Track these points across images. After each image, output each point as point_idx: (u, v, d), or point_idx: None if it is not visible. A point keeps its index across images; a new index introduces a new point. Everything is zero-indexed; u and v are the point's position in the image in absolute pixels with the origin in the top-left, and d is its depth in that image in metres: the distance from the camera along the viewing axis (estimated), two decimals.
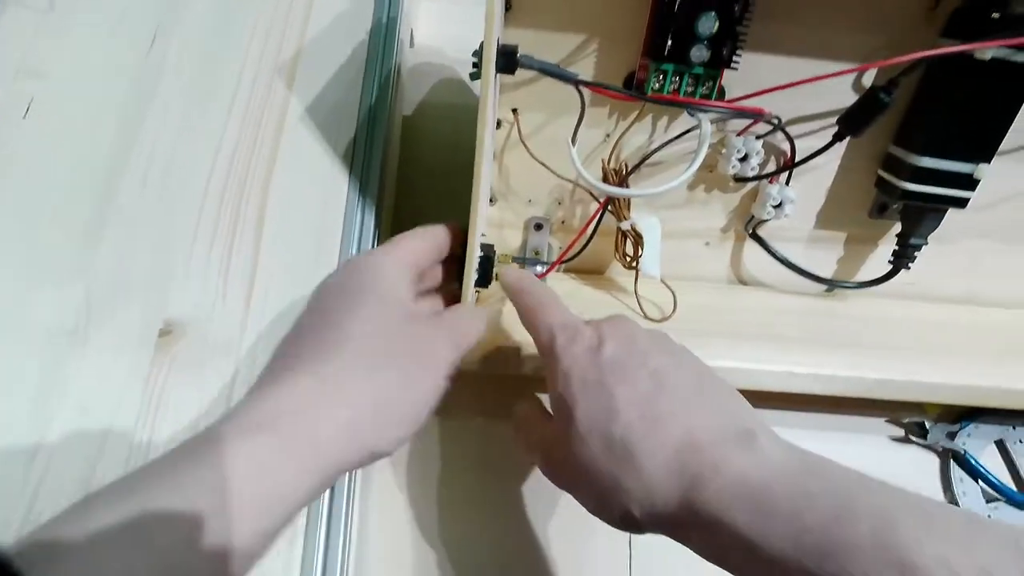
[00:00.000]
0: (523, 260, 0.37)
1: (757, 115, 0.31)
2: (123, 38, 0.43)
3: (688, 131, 0.34)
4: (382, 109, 0.42)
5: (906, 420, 0.42)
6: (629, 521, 0.24)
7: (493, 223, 0.40)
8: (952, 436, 0.41)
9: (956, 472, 0.40)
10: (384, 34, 0.45)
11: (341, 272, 0.30)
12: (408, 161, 0.47)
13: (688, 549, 0.24)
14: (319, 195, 0.38)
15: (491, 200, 0.39)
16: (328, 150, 0.40)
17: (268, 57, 0.43)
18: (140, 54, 0.42)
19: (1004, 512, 0.39)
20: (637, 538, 0.37)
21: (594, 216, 0.35)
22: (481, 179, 0.29)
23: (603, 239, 0.38)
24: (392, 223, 0.43)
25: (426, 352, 0.27)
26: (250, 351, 0.33)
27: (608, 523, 0.25)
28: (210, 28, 0.44)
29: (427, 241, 0.32)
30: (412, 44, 0.53)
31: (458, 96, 0.51)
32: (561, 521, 0.37)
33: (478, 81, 0.28)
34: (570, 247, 0.36)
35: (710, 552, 0.23)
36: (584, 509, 0.26)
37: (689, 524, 0.23)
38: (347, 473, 0.25)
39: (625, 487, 0.24)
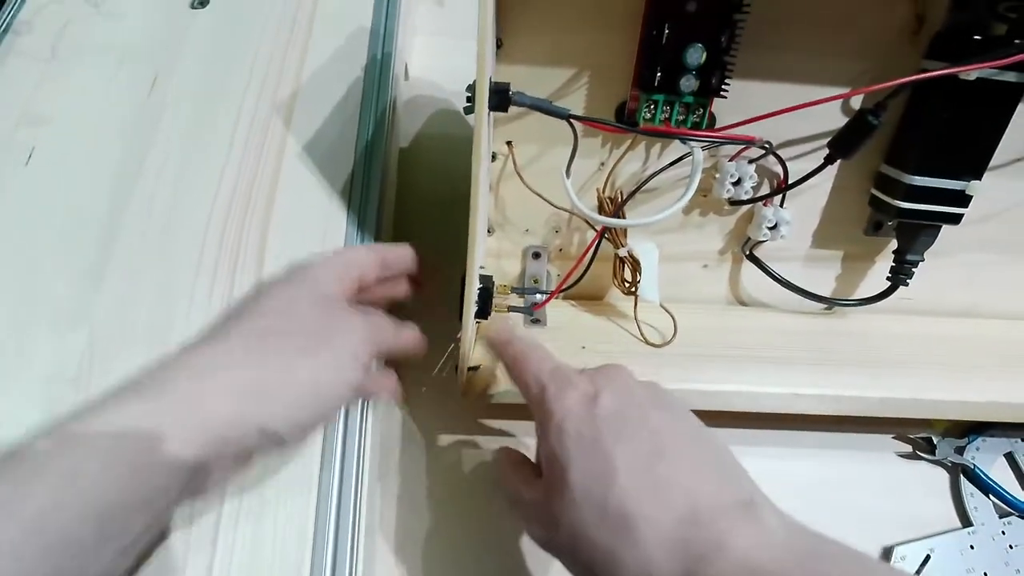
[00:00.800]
0: (522, 290, 0.37)
1: (748, 142, 0.32)
2: (123, 84, 0.44)
3: (681, 158, 0.34)
4: (379, 142, 0.43)
5: (913, 436, 0.41)
6: None
7: (491, 253, 0.40)
8: (960, 451, 0.41)
9: (967, 487, 0.40)
10: (379, 69, 0.46)
11: (282, 270, 0.30)
12: (406, 192, 0.48)
13: None
14: (319, 230, 0.39)
15: (489, 231, 0.39)
16: (326, 185, 0.41)
17: (266, 96, 0.44)
18: (140, 99, 0.43)
19: (1018, 526, 0.39)
20: None
21: (591, 244, 0.35)
22: (478, 214, 0.29)
23: (601, 265, 0.38)
24: None
25: (335, 338, 0.26)
26: None
27: None
28: (208, 70, 0.45)
29: (372, 253, 0.31)
30: (407, 78, 0.53)
31: (453, 127, 0.52)
32: None
33: (472, 114, 0.28)
34: (569, 275, 0.37)
35: None
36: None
37: None
38: (244, 453, 0.24)
39: (621, 560, 0.22)
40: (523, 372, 0.28)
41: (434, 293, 0.41)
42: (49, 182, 0.40)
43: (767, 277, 0.40)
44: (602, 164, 0.36)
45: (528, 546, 0.36)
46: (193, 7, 0.48)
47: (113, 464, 0.21)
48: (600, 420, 0.24)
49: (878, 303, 0.39)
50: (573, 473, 0.24)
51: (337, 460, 0.32)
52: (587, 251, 0.35)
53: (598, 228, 0.36)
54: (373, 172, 0.41)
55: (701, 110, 0.33)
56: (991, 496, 0.40)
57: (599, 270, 0.39)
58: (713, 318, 0.40)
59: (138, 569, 0.27)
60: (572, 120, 0.29)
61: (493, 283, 0.34)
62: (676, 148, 0.35)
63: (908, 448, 0.41)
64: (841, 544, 0.23)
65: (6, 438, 0.30)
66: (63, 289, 0.35)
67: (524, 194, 0.37)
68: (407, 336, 0.31)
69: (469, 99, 0.29)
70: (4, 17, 0.47)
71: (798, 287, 0.39)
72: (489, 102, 0.28)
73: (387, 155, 0.43)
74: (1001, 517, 0.39)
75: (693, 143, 0.31)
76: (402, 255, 0.33)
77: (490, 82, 0.28)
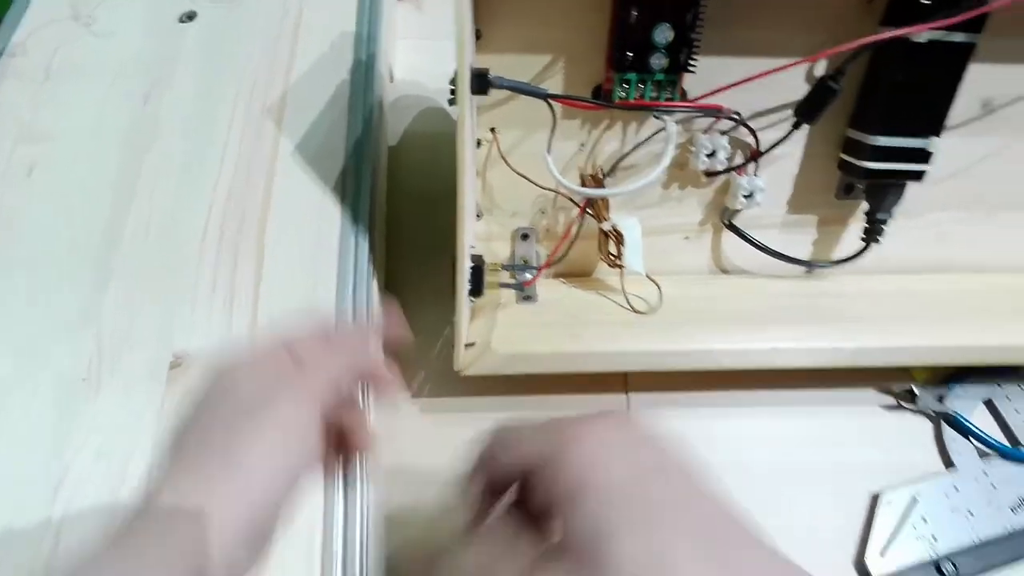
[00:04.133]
0: (512, 267, 0.39)
1: (716, 111, 0.34)
2: (117, 99, 0.45)
3: (656, 133, 0.36)
4: (367, 142, 0.44)
5: (895, 388, 0.43)
6: None
7: (481, 236, 0.42)
8: (941, 399, 0.43)
9: (948, 433, 0.42)
10: (364, 72, 0.48)
11: (249, 372, 0.24)
12: (396, 189, 0.50)
13: None
14: (313, 226, 0.41)
15: (478, 215, 0.41)
16: (319, 184, 0.42)
17: (256, 103, 0.45)
18: (135, 112, 0.45)
19: (998, 465, 0.41)
20: None
21: (575, 220, 0.37)
22: (465, 194, 0.31)
23: (587, 242, 0.40)
24: (386, 247, 0.45)
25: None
26: None
27: None
28: (199, 81, 0.46)
29: (348, 358, 0.26)
30: (392, 79, 0.55)
31: (439, 125, 0.54)
32: None
33: (457, 108, 0.30)
34: (556, 250, 0.38)
35: None
36: None
37: None
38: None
39: None
40: (510, 456, 0.21)
41: (426, 281, 0.43)
42: (51, 194, 0.41)
43: (747, 245, 0.42)
44: (582, 145, 0.38)
45: None
46: (181, 21, 0.49)
47: None
48: (646, 478, 0.19)
49: (855, 264, 0.41)
50: (618, 555, 0.17)
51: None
52: (572, 225, 0.37)
53: (581, 203, 0.37)
54: (363, 169, 0.43)
55: (672, 87, 0.35)
56: (972, 440, 0.41)
57: (586, 248, 0.41)
58: (697, 287, 0.42)
59: None
60: (549, 99, 0.31)
61: (484, 261, 0.36)
62: (651, 125, 0.37)
63: (891, 400, 0.43)
64: None
65: (24, 434, 0.32)
66: (69, 293, 0.37)
67: (510, 178, 0.38)
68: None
69: (453, 92, 0.31)
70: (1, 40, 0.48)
71: (776, 252, 0.41)
72: (470, 86, 0.30)
73: (376, 153, 0.44)
74: (981, 458, 0.41)
75: (665, 116, 0.33)
76: (387, 326, 0.29)
77: (470, 68, 0.30)
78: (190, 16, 0.49)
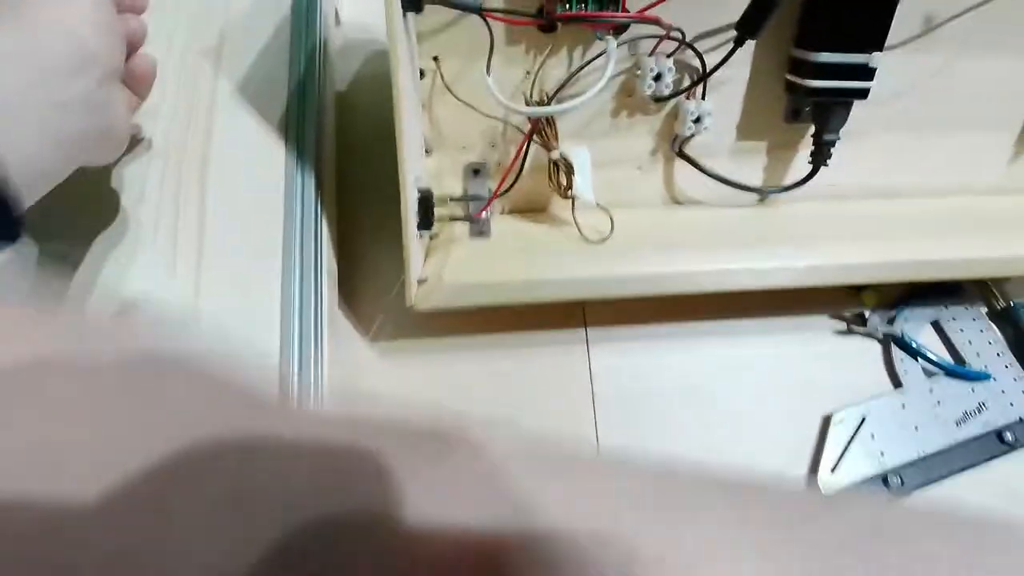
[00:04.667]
0: (460, 198, 0.38)
1: (653, 22, 0.33)
2: None
3: (600, 55, 0.36)
4: (310, 82, 0.43)
5: (847, 314, 0.44)
6: None
7: (432, 173, 0.41)
8: (891, 322, 0.44)
9: (897, 354, 0.43)
10: (305, 10, 0.46)
11: None
12: (347, 133, 0.48)
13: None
14: (257, 166, 0.39)
15: (427, 151, 0.40)
16: (262, 124, 0.41)
17: (193, 44, 0.44)
18: None
19: (944, 383, 0.42)
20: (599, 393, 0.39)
21: (522, 145, 0.36)
22: (402, 121, 0.30)
23: (540, 176, 0.40)
24: (339, 192, 0.44)
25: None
26: (208, 315, 0.34)
27: None
28: None
29: None
30: (338, 23, 0.53)
31: (388, 68, 0.52)
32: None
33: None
34: (503, 180, 0.38)
35: None
36: None
37: None
38: None
39: None
40: None
41: (383, 225, 0.42)
42: None
43: (699, 174, 0.41)
44: (527, 72, 0.37)
45: None
46: None
47: None
48: None
49: (806, 191, 0.41)
50: None
51: None
52: (519, 152, 0.37)
53: (527, 129, 0.37)
54: (308, 108, 0.42)
55: (614, 4, 0.34)
56: (919, 360, 0.42)
57: (539, 182, 0.40)
58: (649, 217, 0.42)
59: None
60: (484, 15, 0.30)
61: (432, 193, 0.36)
62: (596, 48, 0.36)
63: (843, 325, 0.44)
64: None
65: None
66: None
67: (457, 110, 0.38)
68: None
69: None
70: None
71: (726, 179, 0.41)
72: (402, 3, 0.29)
73: (321, 94, 0.43)
74: (929, 376, 0.42)
75: (606, 35, 0.32)
76: None
77: None
78: None
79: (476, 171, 0.41)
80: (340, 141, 0.47)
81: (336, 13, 0.53)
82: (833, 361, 0.43)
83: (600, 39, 0.34)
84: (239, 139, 0.40)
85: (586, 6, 0.33)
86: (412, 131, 0.34)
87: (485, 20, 0.31)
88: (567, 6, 0.34)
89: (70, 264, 0.35)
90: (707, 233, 0.41)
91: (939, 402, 0.41)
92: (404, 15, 0.30)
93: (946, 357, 0.43)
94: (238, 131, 0.40)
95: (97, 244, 0.36)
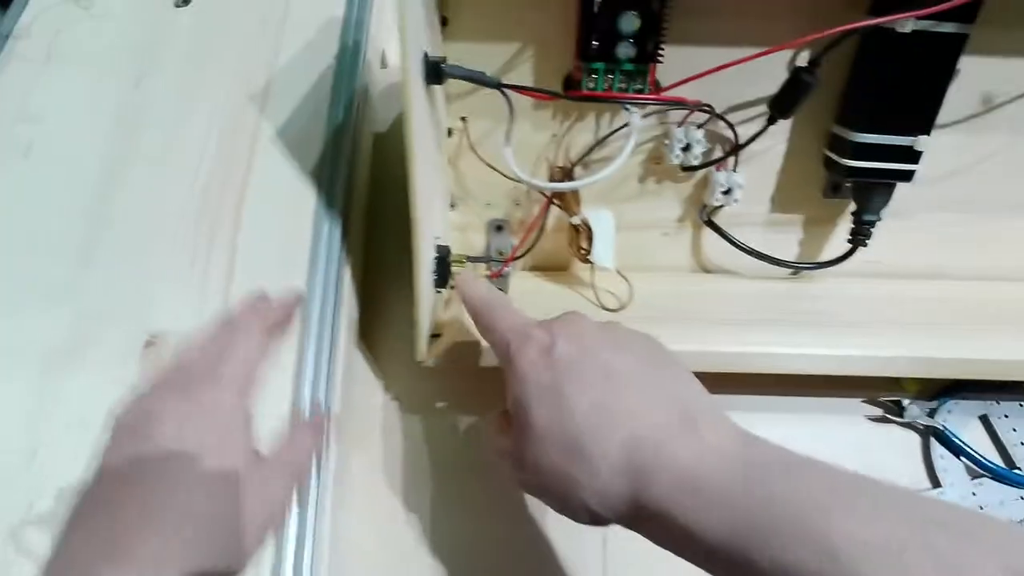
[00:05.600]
0: (477, 259, 0.38)
1: (680, 103, 0.32)
2: (111, 81, 0.46)
3: (625, 125, 0.35)
4: (347, 127, 0.44)
5: (883, 399, 0.41)
6: (593, 517, 0.25)
7: (456, 227, 0.41)
8: (932, 413, 0.40)
9: (937, 449, 0.40)
10: (350, 58, 0.47)
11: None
12: (382, 175, 0.49)
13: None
14: (288, 209, 0.41)
15: (452, 205, 0.41)
16: (296, 169, 0.42)
17: (241, 89, 0.46)
18: (126, 94, 0.46)
19: (989, 488, 0.38)
20: (611, 534, 0.37)
21: (542, 211, 0.36)
22: (416, 183, 0.30)
23: (561, 234, 0.39)
24: (369, 235, 0.45)
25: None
26: None
27: (575, 521, 0.26)
28: (190, 67, 0.47)
29: (259, 343, 0.29)
30: (384, 65, 0.55)
31: None
32: (538, 515, 0.37)
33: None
34: (522, 242, 0.38)
35: (664, 542, 0.24)
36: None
37: (641, 518, 0.24)
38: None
39: (583, 485, 0.24)
40: (488, 327, 0.30)
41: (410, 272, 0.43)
42: (44, 172, 0.42)
43: (728, 243, 0.40)
44: (554, 136, 0.37)
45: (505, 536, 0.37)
46: (177, 6, 0.50)
47: None
48: (555, 366, 0.26)
49: (843, 267, 0.39)
50: (534, 417, 0.25)
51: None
52: (537, 218, 0.36)
53: (547, 195, 0.36)
54: (341, 154, 0.43)
55: (642, 78, 0.33)
56: (962, 458, 0.39)
57: (560, 240, 0.40)
58: (672, 284, 0.40)
59: None
60: (503, 89, 0.30)
61: (449, 251, 0.36)
62: (624, 117, 0.36)
63: (878, 411, 0.41)
64: (776, 447, 0.24)
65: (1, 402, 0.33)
66: (52, 268, 0.38)
67: (482, 168, 0.38)
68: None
69: None
70: (7, 23, 0.50)
71: (757, 251, 0.39)
72: (425, 75, 0.29)
73: (356, 138, 0.44)
74: (973, 479, 0.39)
75: (631, 106, 0.32)
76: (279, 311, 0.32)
77: (425, 56, 0.29)
78: (185, 0, 0.50)
79: (499, 227, 0.41)
80: (375, 179, 0.49)
81: (383, 56, 0.55)
82: (865, 449, 0.40)
83: (626, 109, 0.34)
84: (274, 185, 0.42)
85: (615, 79, 0.33)
86: (433, 189, 0.34)
87: (504, 94, 0.31)
88: (594, 77, 0.33)
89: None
90: (733, 307, 0.39)
91: (981, 507, 0.38)
92: (428, 85, 0.30)
93: (995, 458, 0.39)
94: (274, 177, 0.42)
95: (135, 276, 0.38)
